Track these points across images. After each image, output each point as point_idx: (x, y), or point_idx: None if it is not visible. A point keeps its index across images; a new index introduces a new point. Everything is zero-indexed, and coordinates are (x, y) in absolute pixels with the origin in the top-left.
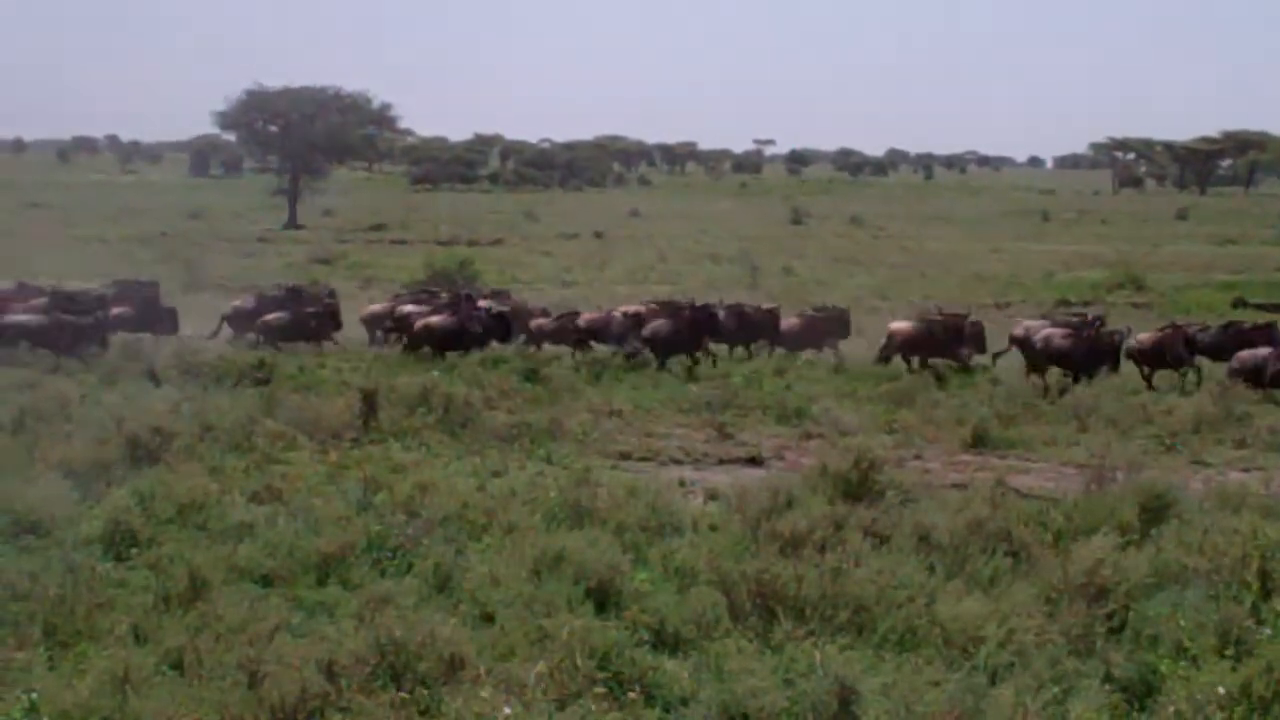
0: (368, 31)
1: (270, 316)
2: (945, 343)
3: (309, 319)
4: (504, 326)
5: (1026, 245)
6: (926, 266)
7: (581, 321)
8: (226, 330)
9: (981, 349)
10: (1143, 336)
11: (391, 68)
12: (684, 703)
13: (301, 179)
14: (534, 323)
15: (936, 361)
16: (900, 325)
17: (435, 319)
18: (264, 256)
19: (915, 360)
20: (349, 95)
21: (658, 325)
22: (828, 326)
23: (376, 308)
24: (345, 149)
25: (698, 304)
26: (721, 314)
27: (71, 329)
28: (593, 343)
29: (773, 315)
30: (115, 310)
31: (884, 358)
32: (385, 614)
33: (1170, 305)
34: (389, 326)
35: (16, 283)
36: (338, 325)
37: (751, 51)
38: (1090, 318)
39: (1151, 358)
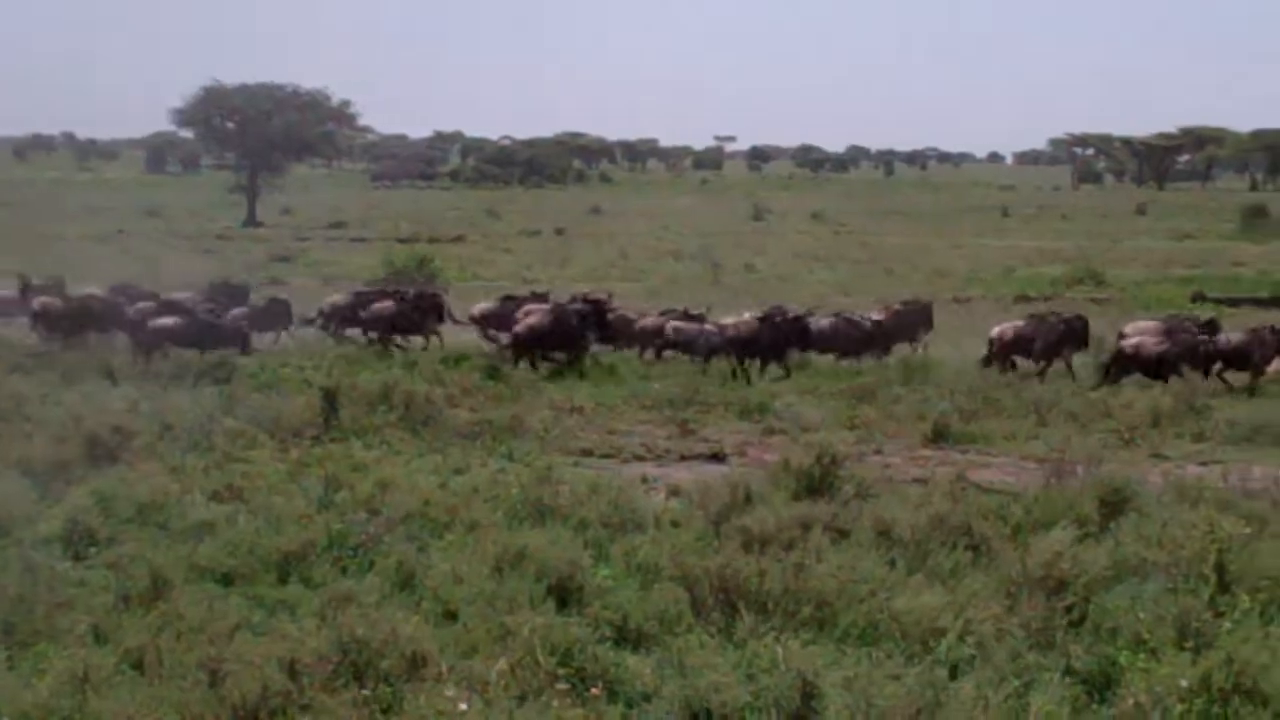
0: (327, 28)
1: (378, 306)
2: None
3: (416, 311)
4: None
5: (987, 241)
6: (887, 262)
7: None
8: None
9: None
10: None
11: (351, 64)
12: (646, 699)
13: (260, 176)
14: (640, 324)
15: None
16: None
17: (535, 319)
18: (223, 254)
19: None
20: (307, 92)
21: (740, 327)
22: (916, 319)
23: (486, 305)
24: (304, 146)
25: (790, 315)
26: (826, 322)
27: (215, 329)
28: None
29: (883, 326)
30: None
31: (988, 361)
32: (347, 612)
33: (1130, 300)
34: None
35: (110, 287)
36: (441, 318)
37: (712, 48)
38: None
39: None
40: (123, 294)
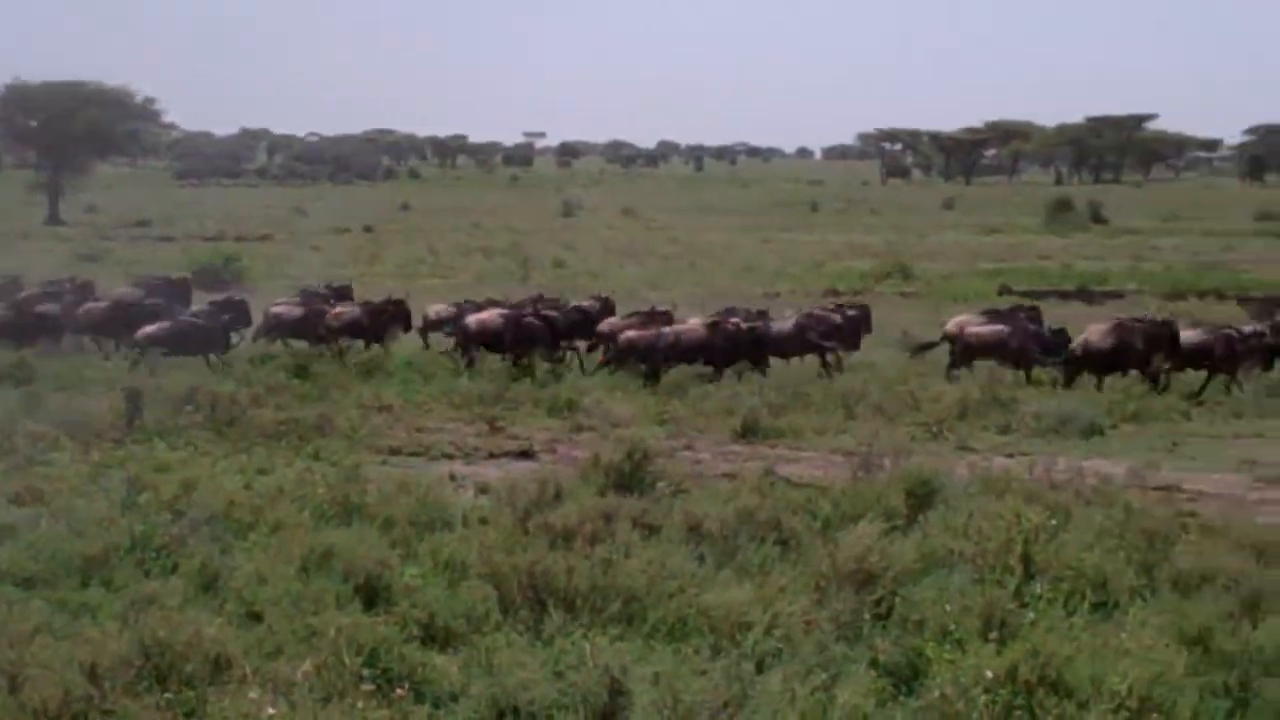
0: (132, 25)
1: (340, 310)
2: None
3: (377, 317)
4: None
5: (796, 236)
6: (697, 257)
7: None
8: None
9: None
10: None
11: (156, 61)
12: (454, 698)
13: (62, 174)
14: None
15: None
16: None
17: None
18: (26, 254)
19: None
20: (111, 89)
21: (683, 333)
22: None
23: (441, 308)
24: (108, 144)
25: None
26: (793, 322)
27: (203, 331)
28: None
29: (864, 313)
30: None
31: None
32: (150, 615)
33: (937, 294)
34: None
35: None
36: (408, 326)
37: (520, 43)
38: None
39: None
40: (62, 290)
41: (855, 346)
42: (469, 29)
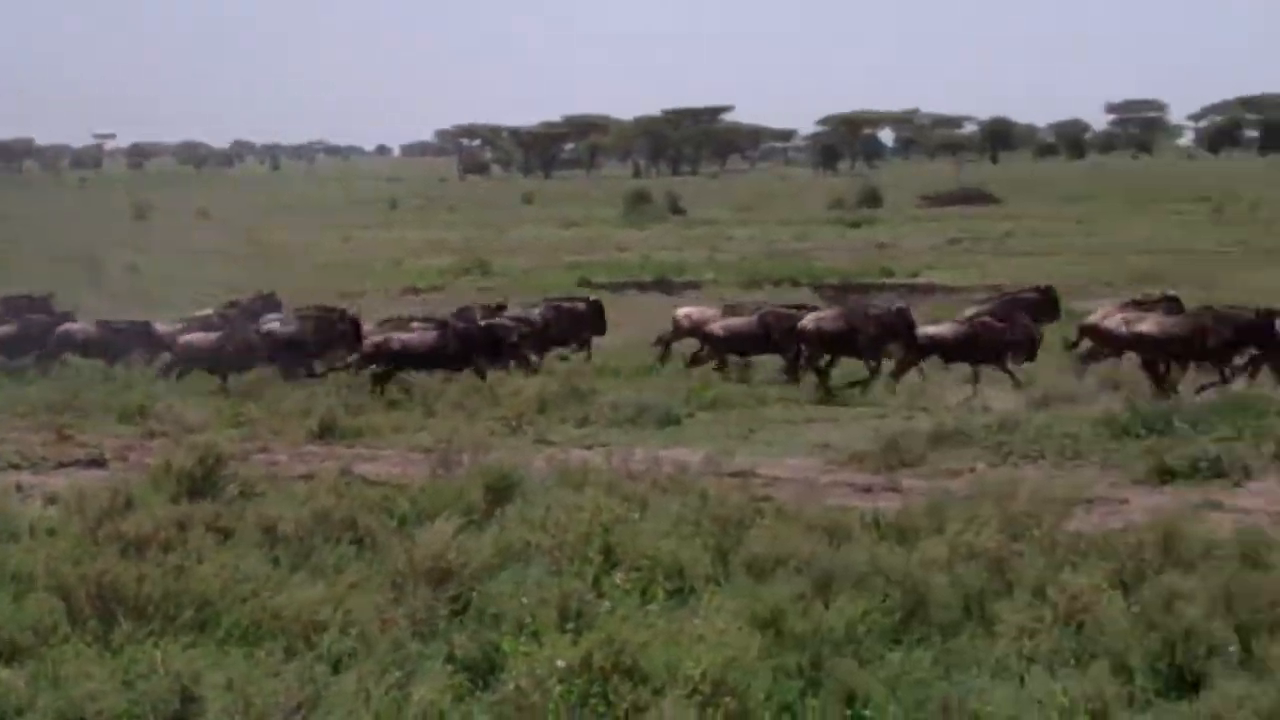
0: None
1: (193, 337)
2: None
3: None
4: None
5: (375, 234)
6: (275, 257)
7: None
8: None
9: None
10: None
11: None
12: (19, 712)
13: None
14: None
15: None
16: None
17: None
18: None
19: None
20: None
21: (411, 339)
22: (582, 320)
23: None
24: None
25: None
26: (538, 312)
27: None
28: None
29: (596, 307)
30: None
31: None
32: None
33: (518, 288)
34: None
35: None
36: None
37: (84, 43)
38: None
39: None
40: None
41: (602, 331)
42: (32, 31)
